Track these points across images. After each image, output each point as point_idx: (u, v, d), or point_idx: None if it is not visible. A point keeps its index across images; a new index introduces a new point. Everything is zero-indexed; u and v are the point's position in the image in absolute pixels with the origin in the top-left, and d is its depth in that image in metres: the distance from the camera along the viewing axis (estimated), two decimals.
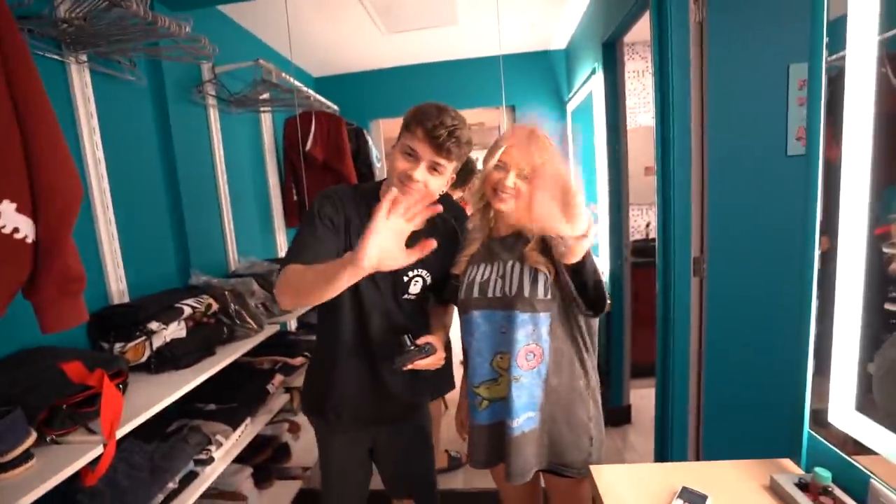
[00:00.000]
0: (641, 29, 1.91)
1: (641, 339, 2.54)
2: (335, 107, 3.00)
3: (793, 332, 0.98)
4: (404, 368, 1.04)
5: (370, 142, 3.03)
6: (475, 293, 1.06)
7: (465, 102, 3.35)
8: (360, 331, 1.12)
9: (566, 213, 0.74)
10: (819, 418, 0.93)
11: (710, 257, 1.51)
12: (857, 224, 0.82)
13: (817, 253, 0.91)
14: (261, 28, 2.46)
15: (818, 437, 0.92)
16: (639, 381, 2.65)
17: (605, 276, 2.55)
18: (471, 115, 4.68)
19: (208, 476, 1.39)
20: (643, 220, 3.46)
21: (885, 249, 0.80)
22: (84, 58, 1.42)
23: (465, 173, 2.39)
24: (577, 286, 0.95)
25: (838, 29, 0.82)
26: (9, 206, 0.77)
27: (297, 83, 2.35)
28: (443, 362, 1.08)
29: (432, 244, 0.75)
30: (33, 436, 0.94)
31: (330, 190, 1.10)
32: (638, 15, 1.95)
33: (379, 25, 2.56)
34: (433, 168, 0.99)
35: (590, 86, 2.61)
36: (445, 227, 1.14)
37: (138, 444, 1.33)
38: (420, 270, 1.13)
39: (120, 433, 1.05)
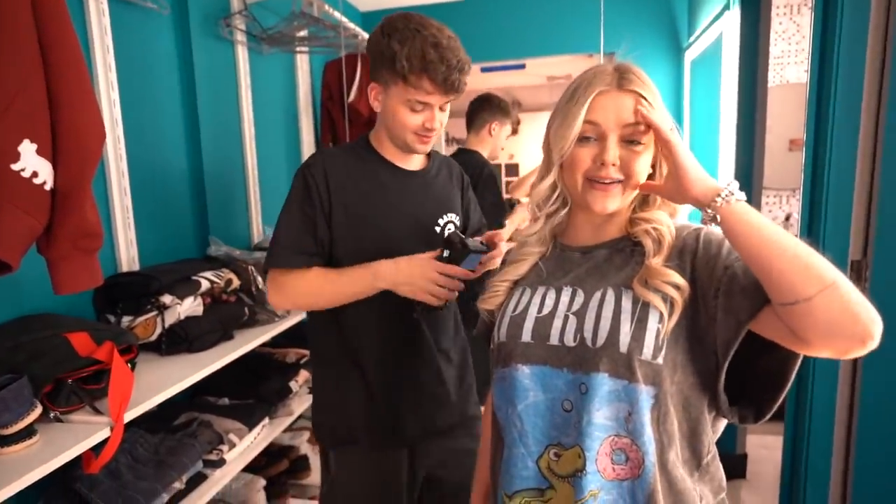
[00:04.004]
0: None
1: None
2: None
3: None
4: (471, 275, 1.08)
5: None
6: (525, 335, 0.81)
7: (551, 47, 3.30)
8: (401, 316, 1.16)
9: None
10: None
11: (877, 261, 1.41)
12: None
13: None
14: None
15: None
16: (760, 426, 2.54)
17: None
18: (557, 64, 4.57)
19: (218, 480, 1.51)
20: (782, 211, 3.29)
21: None
22: None
23: (497, 110, 2.27)
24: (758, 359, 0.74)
25: None
26: (29, 147, 0.87)
27: (343, 18, 2.41)
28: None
29: None
30: (38, 409, 1.07)
31: (310, 163, 1.18)
32: None
33: None
34: (442, 108, 1.15)
35: (719, 27, 2.48)
36: (453, 170, 1.33)
37: (142, 434, 1.46)
38: (450, 215, 1.25)
39: (127, 417, 1.15)
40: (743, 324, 0.70)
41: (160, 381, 1.33)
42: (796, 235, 1.70)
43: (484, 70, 4.26)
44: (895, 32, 1.34)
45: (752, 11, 2.21)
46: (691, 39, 2.98)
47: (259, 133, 2.33)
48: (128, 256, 1.66)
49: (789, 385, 0.75)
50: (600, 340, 0.76)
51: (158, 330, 1.50)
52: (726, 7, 2.36)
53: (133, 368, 1.29)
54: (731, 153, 2.37)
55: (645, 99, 0.79)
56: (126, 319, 1.48)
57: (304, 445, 2.23)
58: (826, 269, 0.64)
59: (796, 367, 0.74)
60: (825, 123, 1.50)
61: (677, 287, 0.74)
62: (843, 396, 1.50)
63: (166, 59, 1.87)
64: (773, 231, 0.67)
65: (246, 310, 1.70)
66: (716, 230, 0.77)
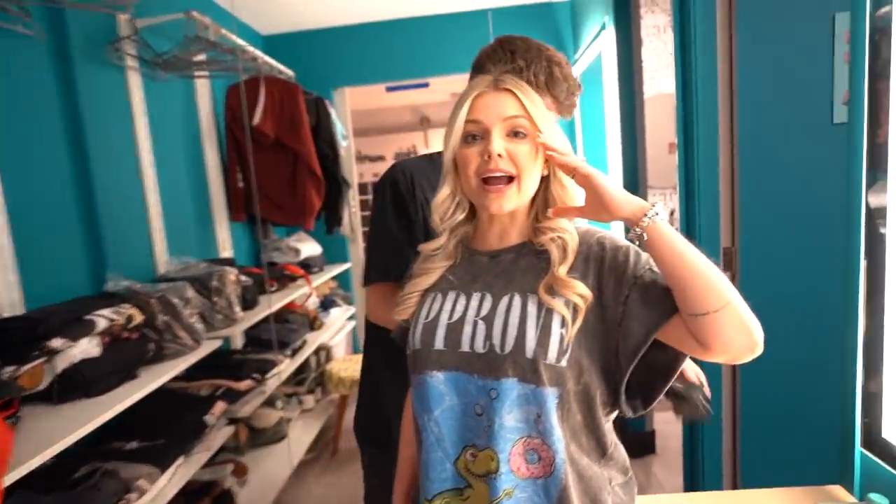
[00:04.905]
0: None
1: None
2: (290, 72, 2.95)
3: (842, 334, 0.97)
4: None
5: (333, 114, 3.00)
6: (438, 343, 0.80)
7: (446, 67, 3.34)
8: None
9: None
10: (872, 436, 0.93)
11: (743, 248, 1.51)
12: None
13: (863, 238, 0.90)
14: None
15: (872, 457, 0.92)
16: (666, 403, 2.66)
17: None
18: (458, 82, 4.66)
19: None
20: (667, 208, 3.47)
21: None
22: None
23: None
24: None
25: None
26: None
27: (240, 42, 2.31)
28: None
29: None
30: None
31: (397, 171, 1.10)
32: None
33: None
34: None
35: (598, 45, 2.60)
36: None
37: (32, 496, 1.27)
38: None
39: (9, 480, 1.00)
40: (652, 332, 0.72)
41: (52, 433, 1.17)
42: (678, 229, 1.82)
43: (389, 89, 4.25)
44: (739, 46, 1.46)
45: (625, 31, 2.34)
46: (576, 56, 3.11)
47: (159, 160, 2.15)
48: (10, 300, 1.46)
49: (675, 377, 0.77)
50: (508, 347, 0.75)
51: (48, 377, 1.32)
52: (602, 27, 2.48)
53: (15, 424, 1.12)
54: (618, 157, 2.48)
55: (521, 102, 0.79)
56: (9, 369, 1.29)
57: (229, 479, 2.07)
58: (728, 287, 0.68)
59: (683, 363, 0.76)
60: (692, 129, 1.59)
61: (581, 296, 0.75)
62: (726, 379, 1.59)
63: (44, 88, 1.68)
64: (688, 249, 0.69)
65: (151, 345, 1.55)
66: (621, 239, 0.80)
